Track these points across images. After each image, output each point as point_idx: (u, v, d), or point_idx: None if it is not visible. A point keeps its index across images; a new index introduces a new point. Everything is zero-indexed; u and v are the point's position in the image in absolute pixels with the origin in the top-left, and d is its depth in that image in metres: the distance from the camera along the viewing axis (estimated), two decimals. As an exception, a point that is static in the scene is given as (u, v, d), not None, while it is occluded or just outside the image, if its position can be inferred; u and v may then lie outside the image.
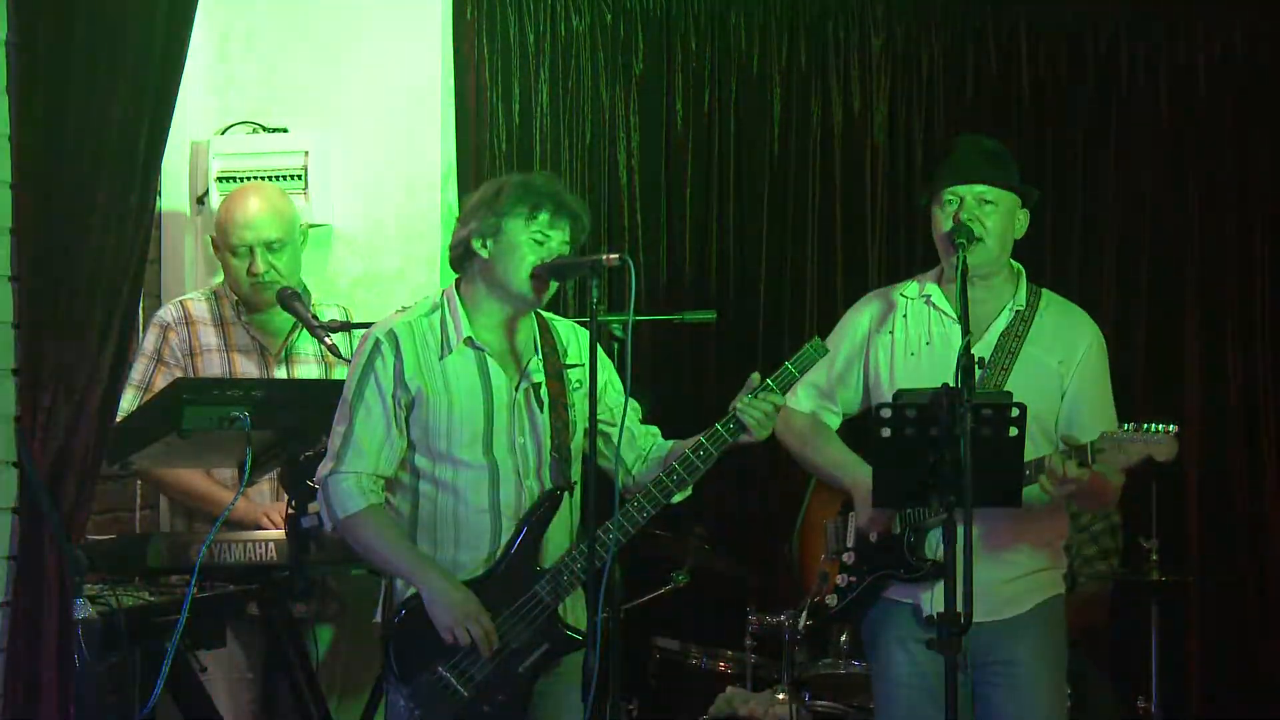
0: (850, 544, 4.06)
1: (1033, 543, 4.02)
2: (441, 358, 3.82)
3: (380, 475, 3.81)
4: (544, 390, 3.85)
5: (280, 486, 4.46)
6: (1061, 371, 4.00)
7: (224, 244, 4.64)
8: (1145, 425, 3.79)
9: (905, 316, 4.10)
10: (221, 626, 4.15)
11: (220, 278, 4.75)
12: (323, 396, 4.03)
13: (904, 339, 4.07)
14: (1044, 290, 4.10)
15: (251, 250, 4.58)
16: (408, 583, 3.79)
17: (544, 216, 3.78)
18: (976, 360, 3.75)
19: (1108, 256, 5.38)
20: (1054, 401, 3.99)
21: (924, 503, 3.75)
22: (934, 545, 3.89)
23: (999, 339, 4.01)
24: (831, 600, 4.07)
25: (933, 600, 3.84)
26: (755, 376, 3.79)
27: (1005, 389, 3.92)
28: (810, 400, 4.14)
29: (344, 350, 4.57)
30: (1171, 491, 5.00)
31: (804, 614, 4.19)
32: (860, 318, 4.17)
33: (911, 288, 4.14)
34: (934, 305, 4.07)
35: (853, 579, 4.04)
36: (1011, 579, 3.97)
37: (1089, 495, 3.95)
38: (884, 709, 4.07)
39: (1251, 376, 5.28)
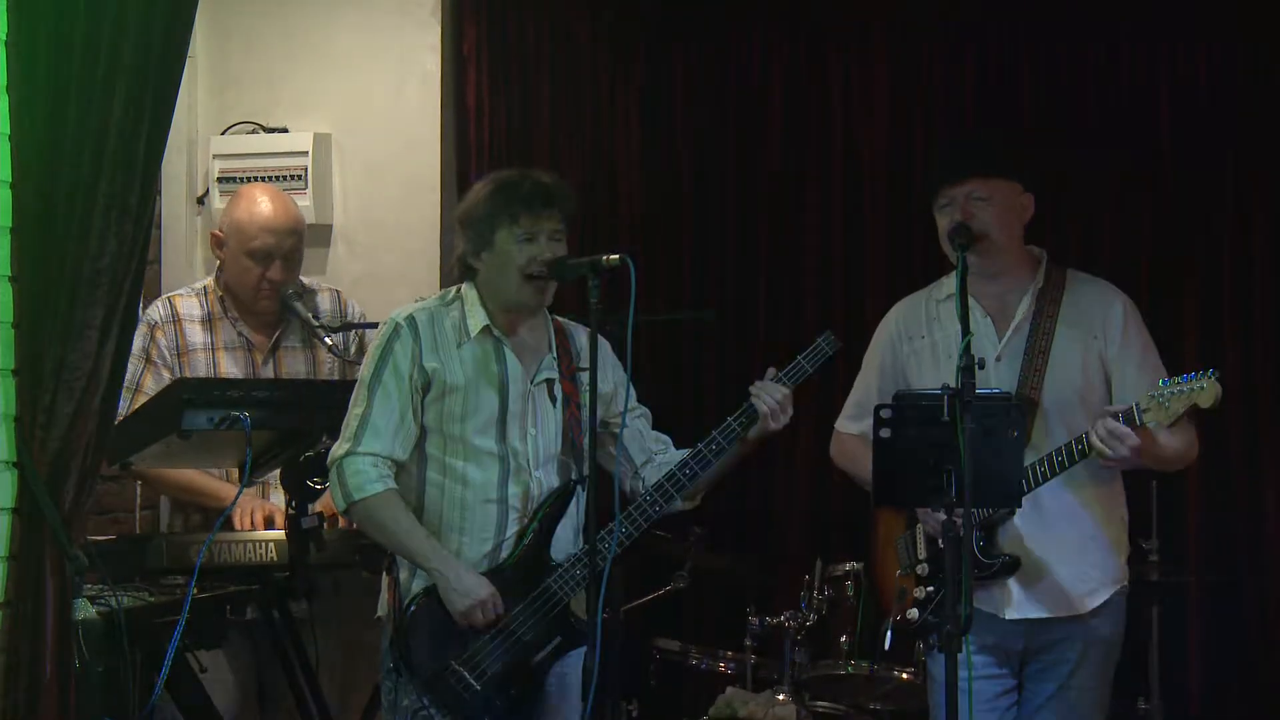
0: (923, 555, 4.04)
1: (1107, 534, 4.02)
2: (459, 345, 3.84)
3: (394, 459, 3.81)
4: (557, 386, 3.87)
5: (267, 485, 4.48)
6: (1099, 345, 3.97)
7: (240, 245, 4.59)
8: (1184, 376, 3.78)
9: (936, 319, 4.08)
10: (221, 627, 4.15)
11: (209, 279, 4.73)
12: (324, 397, 4.04)
13: (937, 341, 4.06)
14: (1068, 270, 4.09)
15: (270, 257, 4.58)
16: (421, 568, 3.80)
17: (524, 215, 3.81)
18: (996, 356, 3.76)
19: (1105, 258, 5.36)
20: (1097, 378, 3.97)
21: (924, 503, 3.75)
22: (1006, 540, 3.89)
23: (1031, 323, 3.98)
24: (913, 614, 4.02)
25: (1007, 601, 3.86)
26: (771, 371, 3.82)
27: (1046, 373, 3.91)
28: (857, 420, 4.11)
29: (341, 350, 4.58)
30: (1171, 491, 5.00)
31: (888, 635, 4.12)
32: (891, 328, 4.14)
33: (939, 288, 4.12)
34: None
35: (930, 589, 4.00)
36: (1087, 574, 3.96)
37: (1151, 456, 3.87)
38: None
39: (1250, 376, 5.27)
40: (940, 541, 3.97)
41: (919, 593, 4.01)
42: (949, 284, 4.07)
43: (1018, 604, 3.88)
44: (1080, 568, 3.96)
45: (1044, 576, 3.88)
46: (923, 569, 4.02)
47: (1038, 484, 3.85)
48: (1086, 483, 3.93)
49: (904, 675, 4.68)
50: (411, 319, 3.85)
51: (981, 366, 3.89)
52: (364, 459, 3.78)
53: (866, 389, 4.04)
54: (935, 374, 3.99)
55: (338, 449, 3.82)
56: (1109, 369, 3.98)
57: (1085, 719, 4.01)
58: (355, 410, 3.82)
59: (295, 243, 4.64)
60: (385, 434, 3.79)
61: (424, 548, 3.79)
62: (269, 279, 4.57)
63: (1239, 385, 5.25)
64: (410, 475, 3.87)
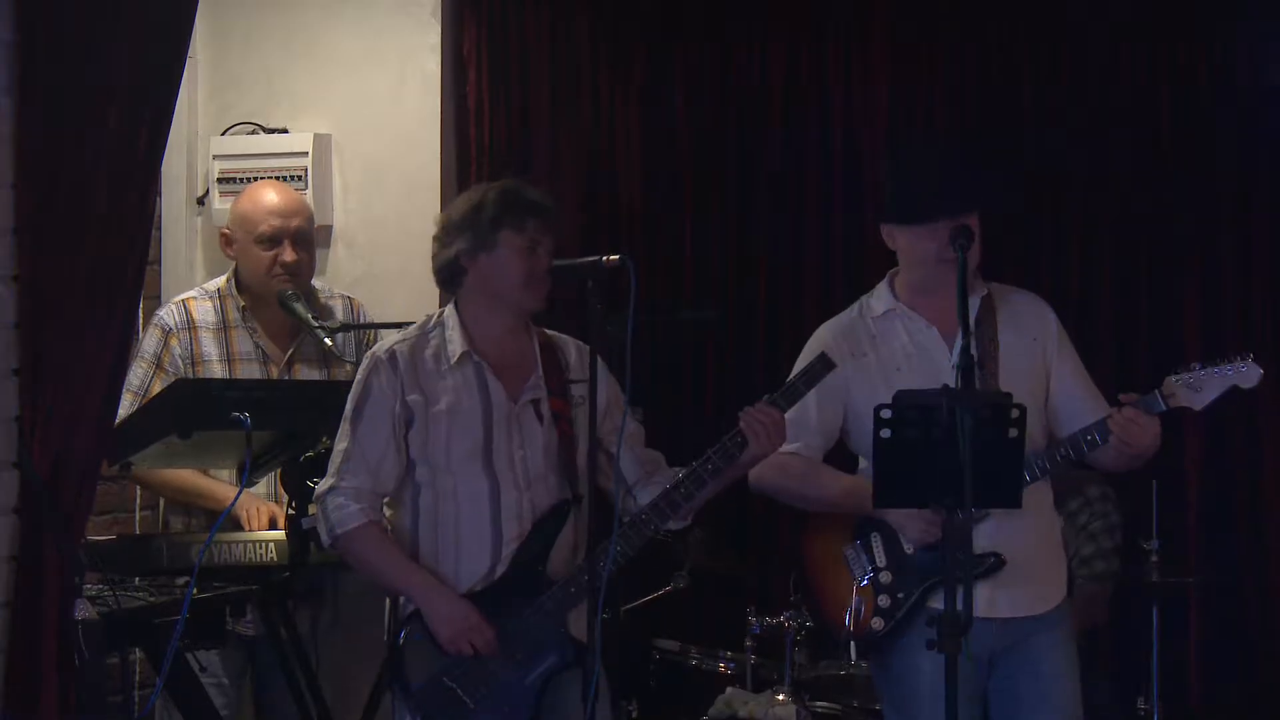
0: (883, 563, 4.03)
1: (1058, 536, 4.08)
2: (440, 373, 3.83)
3: (379, 493, 3.83)
4: (544, 405, 3.87)
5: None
6: (1039, 349, 4.04)
7: (249, 234, 4.58)
8: (1216, 360, 3.85)
9: (876, 336, 4.07)
10: (221, 627, 4.15)
11: (221, 280, 4.72)
12: (324, 397, 4.04)
13: (883, 357, 4.04)
14: (991, 283, 4.12)
15: (281, 240, 4.57)
16: (405, 598, 3.81)
17: (532, 224, 3.82)
18: (951, 364, 3.77)
19: (1107, 257, 5.37)
20: (1041, 381, 4.02)
21: (925, 504, 3.74)
22: (983, 540, 3.85)
23: (975, 329, 3.99)
24: (878, 624, 3.99)
25: (980, 600, 3.73)
26: (765, 398, 3.81)
27: (999, 379, 3.93)
28: (792, 440, 4.01)
29: (348, 351, 4.58)
30: (1171, 491, 5.00)
31: (850, 647, 4.09)
32: (828, 346, 4.04)
33: (871, 307, 4.11)
34: (903, 317, 4.07)
35: (900, 595, 3.98)
36: (1052, 574, 4.01)
37: (1143, 449, 3.92)
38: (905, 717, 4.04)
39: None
40: (908, 547, 3.99)
41: (883, 601, 3.99)
42: (878, 303, 4.10)
43: (990, 603, 3.84)
44: (1040, 569, 3.99)
45: (1013, 577, 3.89)
46: (885, 576, 4.00)
47: (1034, 479, 3.88)
48: (1035, 489, 3.93)
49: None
50: (391, 353, 3.84)
51: (982, 367, 3.92)
52: (346, 494, 3.79)
53: (803, 408, 3.96)
54: (886, 389, 3.94)
55: (322, 485, 3.84)
56: (1050, 373, 4.04)
57: (1070, 711, 4.00)
58: (339, 446, 3.83)
59: (301, 223, 4.63)
60: (368, 469, 3.79)
61: (405, 578, 3.79)
62: (282, 262, 4.56)
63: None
64: (403, 503, 3.87)
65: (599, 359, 3.76)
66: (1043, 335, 4.06)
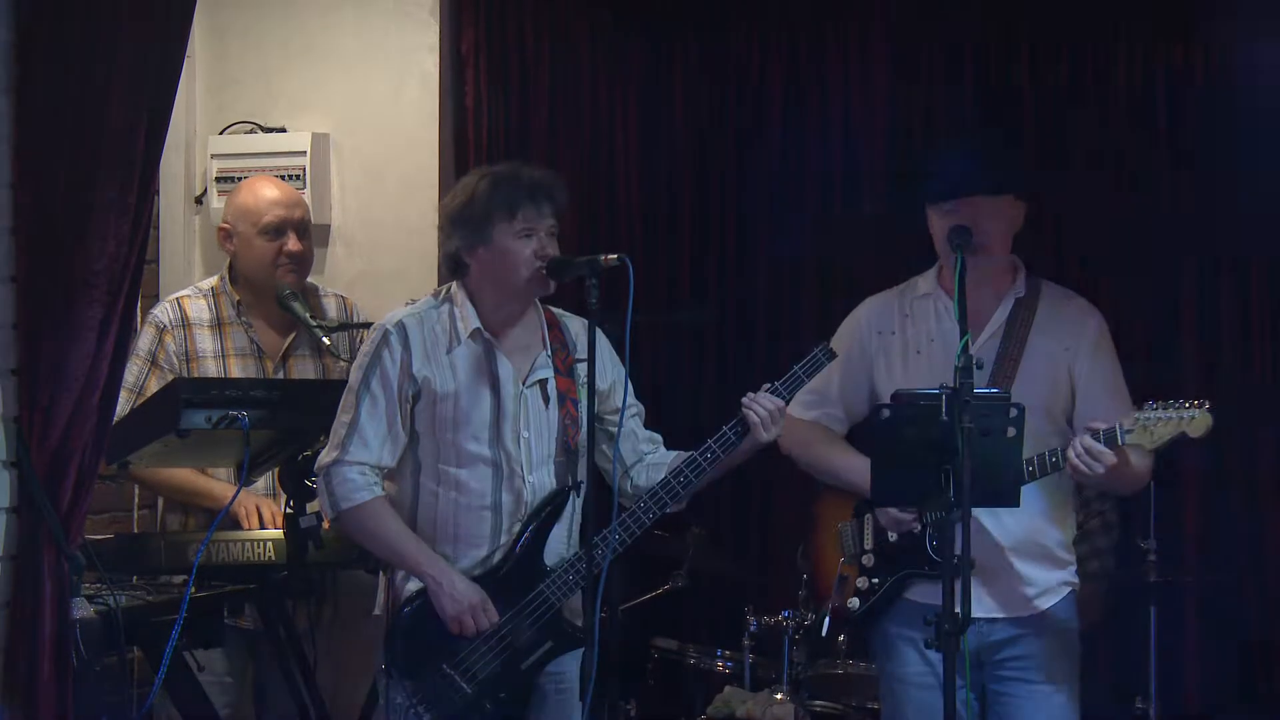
0: (869, 546, 4.05)
1: (1057, 538, 4.04)
2: (450, 349, 3.83)
3: (383, 467, 3.81)
4: (551, 385, 3.86)
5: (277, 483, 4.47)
6: (1069, 358, 3.99)
7: (252, 225, 4.58)
8: (1173, 403, 3.77)
9: (909, 316, 4.09)
10: (219, 626, 4.15)
11: (214, 279, 4.72)
12: (322, 396, 4.04)
13: (909, 338, 4.06)
14: (1042, 281, 4.10)
15: (286, 230, 4.57)
16: (412, 575, 3.80)
17: (524, 209, 3.79)
18: (976, 362, 3.76)
19: (1105, 258, 5.37)
20: (1064, 390, 3.98)
21: (923, 503, 3.75)
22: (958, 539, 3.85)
23: (1005, 328, 4.00)
24: (854, 604, 4.04)
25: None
26: (765, 386, 3.81)
27: (1015, 380, 3.92)
28: (813, 408, 4.11)
29: (343, 349, 4.58)
30: (1170, 491, 5.00)
31: (826, 621, 4.12)
32: (860, 322, 4.14)
33: (914, 287, 4.13)
34: (937, 303, 4.07)
35: (875, 581, 4.02)
36: (1038, 576, 3.99)
37: (1120, 478, 3.88)
38: (894, 709, 4.05)
39: (1249, 376, 5.27)
40: (891, 535, 4.01)
41: (861, 583, 4.03)
42: (923, 284, 4.11)
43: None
44: (1031, 569, 3.97)
45: (996, 576, 3.88)
46: (868, 559, 4.03)
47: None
48: (1039, 486, 3.92)
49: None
50: (401, 326, 3.83)
51: (980, 366, 3.92)
52: (351, 468, 3.78)
53: (826, 378, 4.00)
54: (904, 370, 4.01)
55: (325, 457, 3.82)
56: (1076, 383, 3.99)
57: (1064, 715, 4.00)
58: (343, 418, 3.81)
59: (303, 214, 4.66)
60: (373, 443, 3.79)
61: (415, 554, 3.79)
62: (287, 252, 4.57)
63: (1237, 385, 5.25)
64: (404, 480, 3.87)
65: (602, 339, 3.75)
66: (1076, 344, 4.01)
